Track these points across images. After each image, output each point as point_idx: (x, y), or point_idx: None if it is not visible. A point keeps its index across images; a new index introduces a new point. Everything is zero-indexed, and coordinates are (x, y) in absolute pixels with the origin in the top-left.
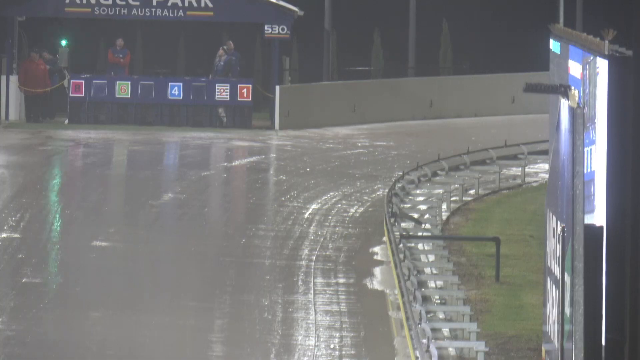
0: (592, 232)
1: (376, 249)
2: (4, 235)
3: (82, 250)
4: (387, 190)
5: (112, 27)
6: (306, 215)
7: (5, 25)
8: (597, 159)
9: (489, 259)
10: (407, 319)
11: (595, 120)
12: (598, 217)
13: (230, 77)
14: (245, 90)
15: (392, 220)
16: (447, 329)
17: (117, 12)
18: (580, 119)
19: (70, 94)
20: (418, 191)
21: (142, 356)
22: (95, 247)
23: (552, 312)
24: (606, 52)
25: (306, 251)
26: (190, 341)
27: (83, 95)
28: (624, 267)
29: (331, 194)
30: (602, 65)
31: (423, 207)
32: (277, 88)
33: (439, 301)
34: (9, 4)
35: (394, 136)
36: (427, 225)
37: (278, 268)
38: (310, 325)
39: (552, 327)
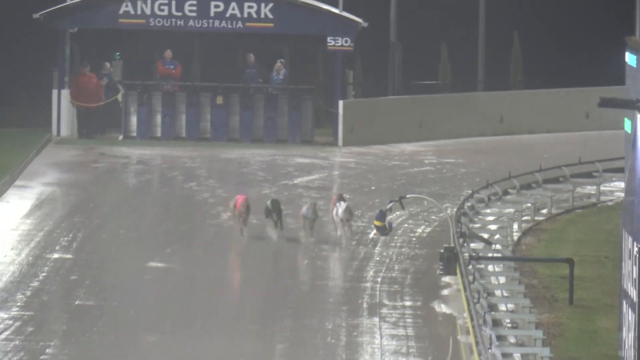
0: None
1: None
2: (56, 255)
3: (137, 271)
4: (455, 210)
5: (166, 38)
6: (371, 235)
7: (56, 37)
8: None
9: (562, 281)
10: (477, 343)
11: None
12: None
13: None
14: (306, 104)
15: (461, 240)
16: (519, 354)
17: (173, 24)
18: None
19: (124, 109)
20: (488, 210)
21: None
22: (150, 268)
23: (629, 337)
24: None
25: (371, 272)
26: None
27: (137, 110)
28: None
29: (397, 213)
30: None
31: (493, 227)
32: (341, 103)
33: (510, 325)
34: (61, 16)
35: (462, 153)
36: (498, 246)
37: (342, 290)
38: (376, 350)
39: (629, 352)
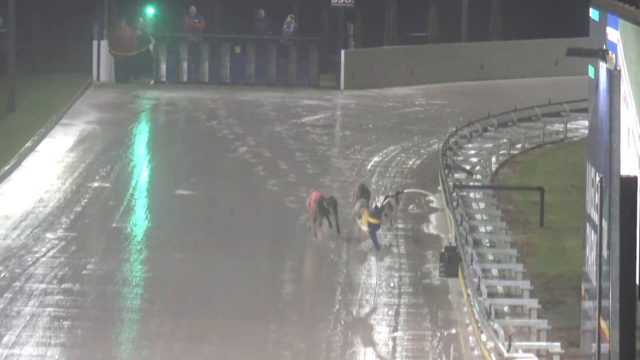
0: (627, 182)
1: (432, 197)
2: (95, 184)
3: (167, 198)
4: (441, 144)
5: None
6: (368, 167)
7: None
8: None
9: (534, 206)
10: (461, 259)
11: (630, 81)
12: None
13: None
14: (312, 53)
15: (447, 171)
16: (496, 270)
17: None
18: (617, 80)
19: (155, 57)
20: (470, 145)
21: (221, 295)
22: (178, 195)
23: (591, 255)
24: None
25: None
26: (264, 281)
27: (166, 58)
28: None
29: (391, 147)
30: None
31: (474, 159)
32: (343, 52)
33: (488, 244)
34: None
35: (447, 96)
36: (478, 176)
37: (343, 215)
38: (372, 267)
39: (591, 267)
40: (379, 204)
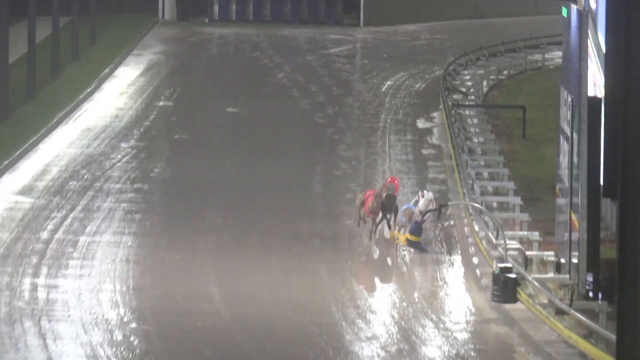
0: (593, 102)
1: (434, 114)
2: (161, 103)
3: (218, 114)
4: (442, 71)
5: None
6: (383, 89)
7: None
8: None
9: (517, 121)
10: (457, 165)
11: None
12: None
13: None
14: None
15: (446, 93)
16: (487, 173)
17: None
18: (585, 18)
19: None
20: (465, 72)
21: (263, 193)
22: (228, 112)
23: (564, 160)
24: None
25: (383, 116)
26: (297, 180)
27: (218, 0)
28: (616, 127)
29: (401, 73)
30: None
31: (469, 83)
32: None
33: (480, 152)
34: None
35: (448, 32)
36: (472, 97)
37: (363, 128)
38: (386, 169)
39: (564, 171)
40: (417, 214)
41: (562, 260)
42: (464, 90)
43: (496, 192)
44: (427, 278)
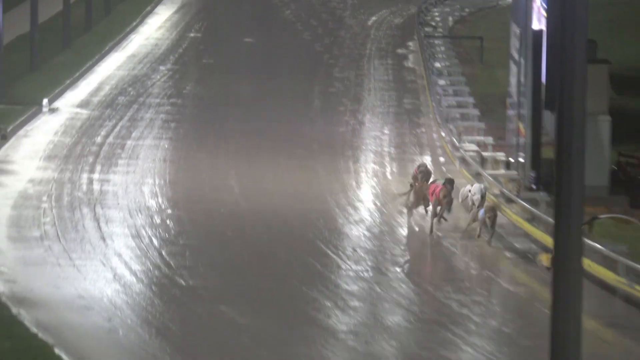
0: (537, 34)
1: (410, 43)
2: (191, 34)
3: (238, 43)
4: (417, 9)
5: None
6: (369, 23)
7: None
8: None
9: (477, 50)
10: (428, 83)
11: None
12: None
13: None
14: None
15: (420, 26)
16: (451, 90)
17: None
18: None
19: None
20: (435, 9)
21: (270, 105)
22: (245, 42)
23: (513, 80)
24: None
25: (369, 45)
26: (300, 96)
27: None
28: (556, 55)
29: (384, 10)
30: None
31: (438, 18)
32: None
33: (447, 74)
34: None
35: None
36: (440, 30)
37: (353, 55)
38: (371, 87)
39: (513, 88)
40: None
41: (511, 160)
42: (433, 24)
43: (459, 105)
44: (404, 174)
